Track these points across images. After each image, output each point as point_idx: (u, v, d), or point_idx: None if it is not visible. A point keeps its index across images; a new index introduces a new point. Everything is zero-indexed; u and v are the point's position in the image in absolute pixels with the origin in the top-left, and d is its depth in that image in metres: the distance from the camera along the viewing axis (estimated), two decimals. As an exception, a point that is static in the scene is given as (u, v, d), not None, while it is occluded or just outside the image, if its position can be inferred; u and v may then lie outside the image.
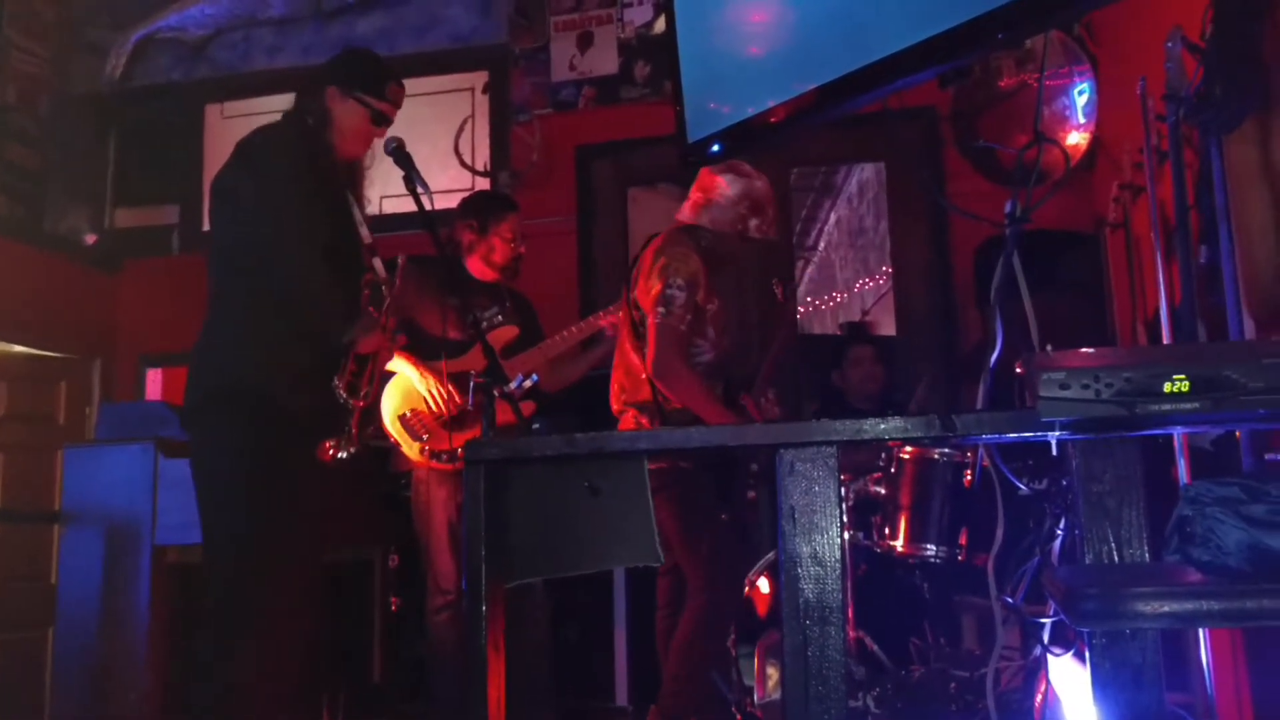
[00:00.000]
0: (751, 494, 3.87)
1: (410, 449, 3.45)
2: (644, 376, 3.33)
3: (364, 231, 2.87)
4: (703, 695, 3.35)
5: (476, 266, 3.68)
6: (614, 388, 3.44)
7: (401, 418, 3.47)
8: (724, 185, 3.36)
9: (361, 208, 2.92)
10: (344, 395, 2.69)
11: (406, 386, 3.48)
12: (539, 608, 3.51)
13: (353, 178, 2.94)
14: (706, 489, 3.36)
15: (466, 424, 3.44)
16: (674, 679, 3.25)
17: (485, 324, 3.53)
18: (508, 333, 3.62)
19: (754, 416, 3.47)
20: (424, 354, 3.46)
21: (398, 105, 2.95)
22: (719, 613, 3.25)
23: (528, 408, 3.51)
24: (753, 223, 3.37)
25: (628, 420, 3.37)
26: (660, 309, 3.19)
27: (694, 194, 3.43)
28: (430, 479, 3.47)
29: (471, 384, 3.20)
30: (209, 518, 2.65)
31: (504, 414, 3.09)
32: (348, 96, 2.86)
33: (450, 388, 3.43)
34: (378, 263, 2.85)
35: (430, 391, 3.44)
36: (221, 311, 2.75)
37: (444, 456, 3.41)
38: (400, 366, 3.47)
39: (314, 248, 2.67)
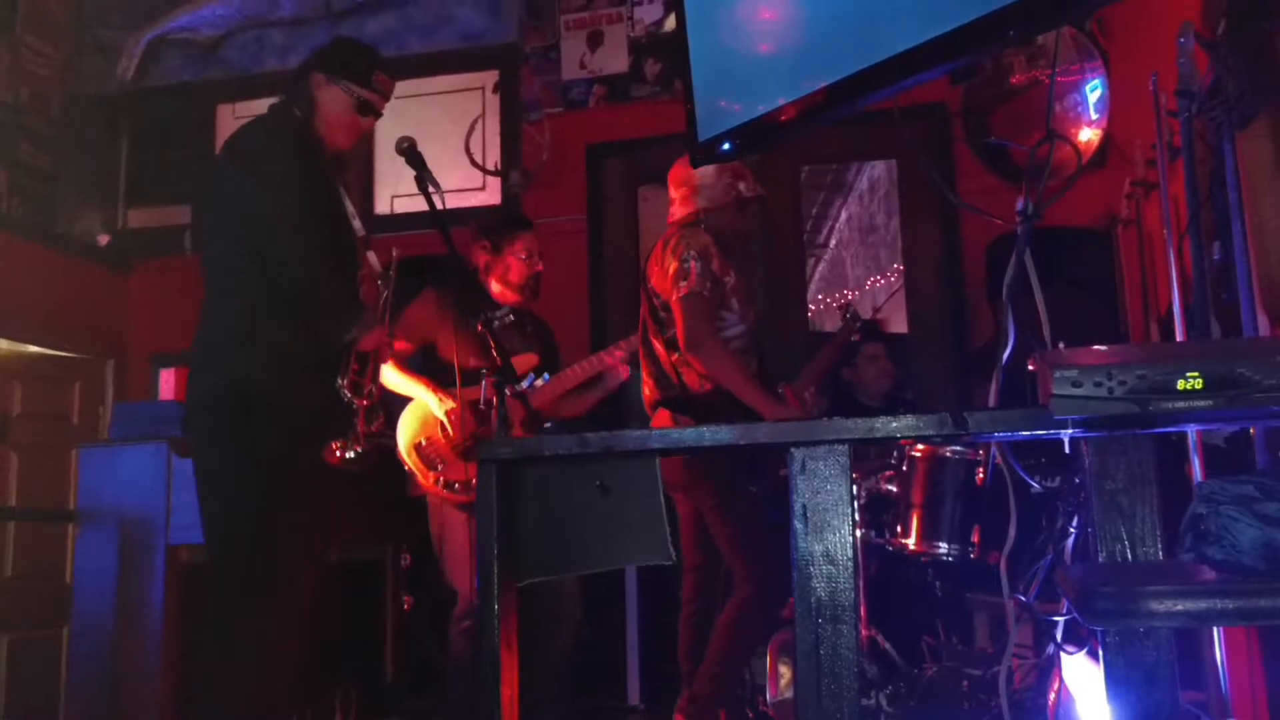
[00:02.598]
0: (784, 471, 3.86)
1: (424, 479, 3.43)
2: (670, 362, 3.34)
3: (356, 224, 2.85)
4: (735, 686, 3.35)
5: (496, 289, 3.64)
6: (645, 383, 3.47)
7: (417, 446, 3.45)
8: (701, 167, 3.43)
9: (351, 199, 2.91)
10: (349, 394, 2.67)
11: (424, 414, 3.46)
12: (572, 610, 3.50)
13: (341, 170, 2.93)
14: (743, 474, 3.38)
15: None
16: (712, 667, 3.25)
17: (496, 323, 3.53)
18: (528, 360, 3.60)
19: (792, 403, 3.48)
20: (442, 380, 3.43)
21: (385, 96, 2.90)
22: (764, 605, 3.25)
23: None
24: (741, 186, 3.48)
25: (662, 418, 3.37)
26: (681, 282, 3.24)
27: (681, 191, 3.50)
28: (445, 503, 3.46)
29: (483, 382, 3.21)
30: (211, 517, 2.62)
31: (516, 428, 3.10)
32: (332, 83, 2.82)
33: (468, 414, 3.39)
34: (371, 256, 2.83)
35: (446, 419, 3.43)
36: (220, 310, 2.72)
37: (457, 486, 3.39)
38: (418, 392, 3.46)
39: (313, 243, 2.64)
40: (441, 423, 3.44)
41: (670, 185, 3.55)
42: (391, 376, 3.43)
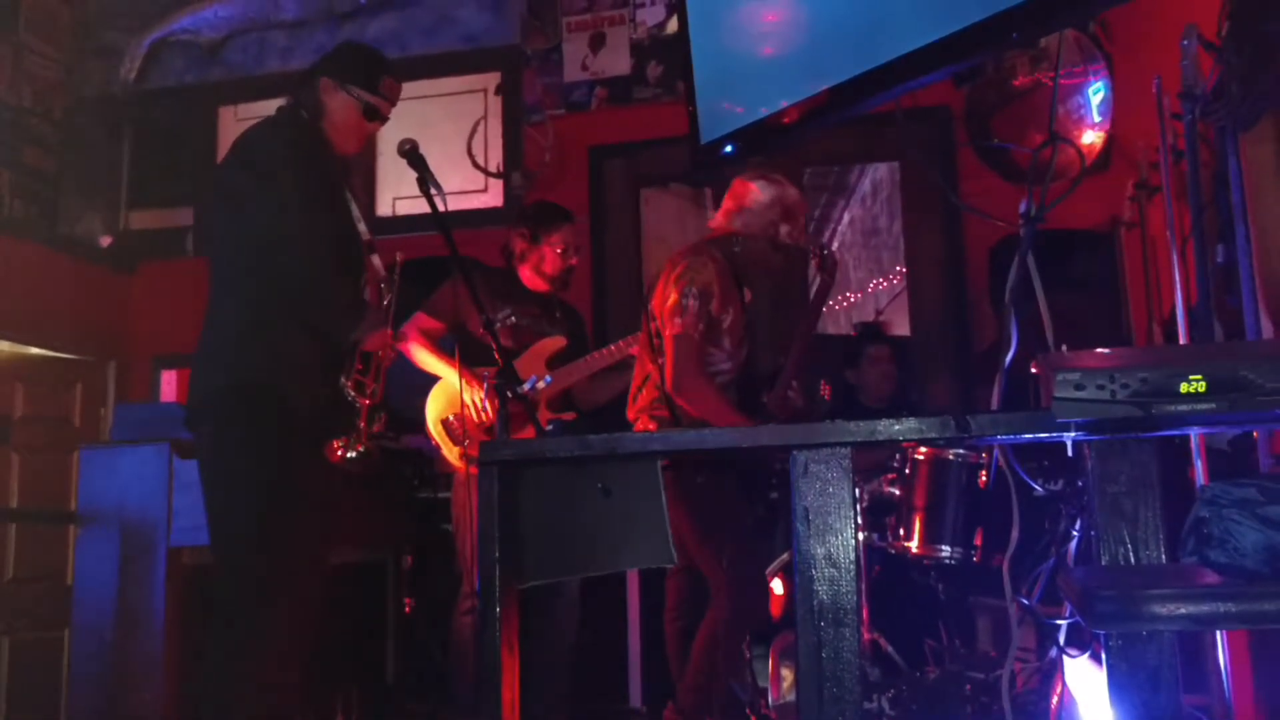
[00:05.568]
0: (774, 494, 3.87)
1: (450, 453, 3.52)
2: (658, 386, 3.33)
3: (361, 227, 2.86)
4: (720, 697, 3.35)
5: (528, 275, 3.70)
6: (631, 395, 3.46)
7: (444, 422, 3.55)
8: (756, 191, 3.40)
9: (358, 202, 2.91)
10: (351, 394, 2.68)
11: (451, 391, 3.52)
12: (570, 610, 3.52)
13: (346, 173, 2.94)
14: (729, 491, 3.35)
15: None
16: (694, 679, 3.24)
17: (498, 324, 3.55)
18: (555, 343, 3.64)
19: (778, 418, 3.46)
20: (472, 360, 3.48)
21: (392, 101, 2.92)
22: (741, 618, 3.24)
23: (566, 416, 3.58)
24: (783, 229, 3.41)
25: (641, 427, 3.36)
26: (675, 319, 3.21)
27: (727, 202, 3.47)
28: (470, 483, 3.48)
29: (486, 384, 3.24)
30: (218, 518, 2.63)
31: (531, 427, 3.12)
32: (340, 89, 2.84)
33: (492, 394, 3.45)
34: (375, 259, 2.84)
35: (473, 398, 3.46)
36: (226, 310, 2.72)
37: None
38: (446, 371, 3.51)
39: (321, 245, 2.66)
40: (468, 401, 3.50)
41: (729, 191, 3.49)
42: (422, 355, 3.55)
